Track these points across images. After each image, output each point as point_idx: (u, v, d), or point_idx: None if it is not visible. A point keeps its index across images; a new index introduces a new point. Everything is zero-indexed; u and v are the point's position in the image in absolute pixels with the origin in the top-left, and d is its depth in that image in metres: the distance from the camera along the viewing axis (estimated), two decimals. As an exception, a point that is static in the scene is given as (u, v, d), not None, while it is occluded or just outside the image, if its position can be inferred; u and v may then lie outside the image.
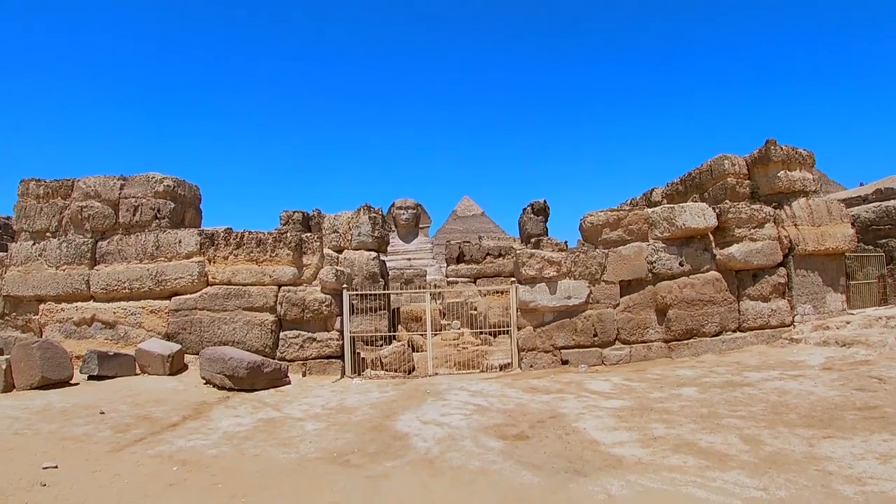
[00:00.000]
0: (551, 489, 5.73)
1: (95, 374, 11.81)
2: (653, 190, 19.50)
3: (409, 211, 35.24)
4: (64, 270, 14.11)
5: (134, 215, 14.48)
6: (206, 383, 11.52)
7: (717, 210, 13.97)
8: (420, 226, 35.81)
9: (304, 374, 12.61)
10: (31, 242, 14.59)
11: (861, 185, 41.10)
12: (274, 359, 12.76)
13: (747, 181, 15.80)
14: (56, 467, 6.64)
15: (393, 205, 35.51)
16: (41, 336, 13.92)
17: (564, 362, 12.85)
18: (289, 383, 11.77)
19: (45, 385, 11.07)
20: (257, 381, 11.24)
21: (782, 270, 14.25)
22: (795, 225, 14.64)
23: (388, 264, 29.80)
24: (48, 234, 14.69)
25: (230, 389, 11.14)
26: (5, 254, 15.15)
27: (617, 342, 13.20)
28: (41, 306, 14.24)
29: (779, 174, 15.06)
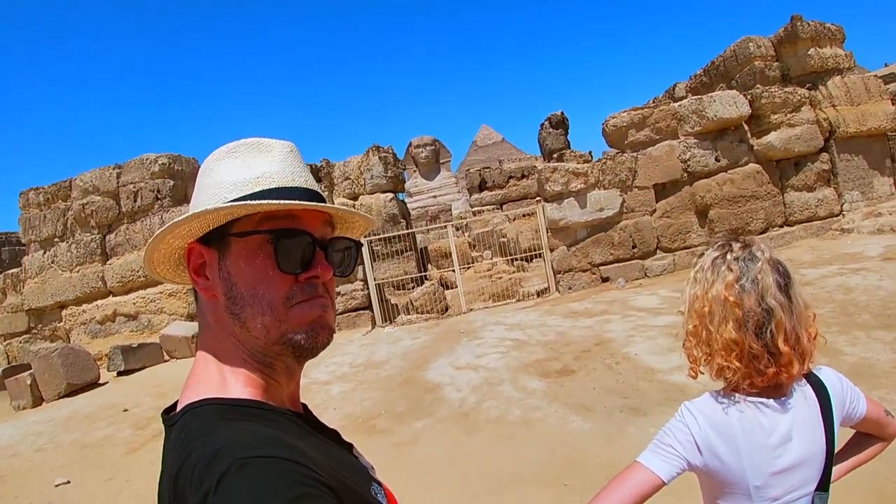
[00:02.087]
0: (606, 437, 4.81)
1: (122, 369, 11.16)
2: (675, 85, 18.00)
3: (427, 148, 33.91)
4: (78, 272, 13.48)
5: (135, 201, 13.68)
6: (231, 357, 10.78)
7: (749, 96, 12.63)
8: (441, 161, 34.53)
9: (332, 331, 11.81)
10: (41, 252, 14.00)
11: (886, 66, 38.34)
12: (300, 318, 11.99)
13: (776, 63, 14.37)
14: (68, 482, 6.05)
15: (410, 144, 34.23)
16: (69, 341, 13.42)
17: (605, 279, 11.84)
18: (316, 342, 10.99)
19: (73, 391, 10.40)
20: (283, 347, 10.45)
21: (825, 156, 12.93)
22: (833, 106, 13.21)
23: (414, 204, 29.03)
24: (56, 239, 14.08)
25: (257, 359, 10.38)
26: (19, 269, 14.66)
27: (658, 251, 12.12)
28: (63, 312, 13.75)
29: (809, 52, 13.55)
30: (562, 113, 19.00)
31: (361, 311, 11.98)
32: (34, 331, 14.14)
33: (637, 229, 11.96)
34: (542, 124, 19.06)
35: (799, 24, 13.58)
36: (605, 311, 9.29)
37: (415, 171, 33.50)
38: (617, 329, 8.10)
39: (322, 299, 1.04)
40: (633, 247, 11.94)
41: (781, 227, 12.49)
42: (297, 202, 0.99)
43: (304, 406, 1.16)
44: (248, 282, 0.98)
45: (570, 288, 11.78)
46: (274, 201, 0.97)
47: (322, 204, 1.03)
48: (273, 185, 1.01)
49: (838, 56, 13.67)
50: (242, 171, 1.02)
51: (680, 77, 20.37)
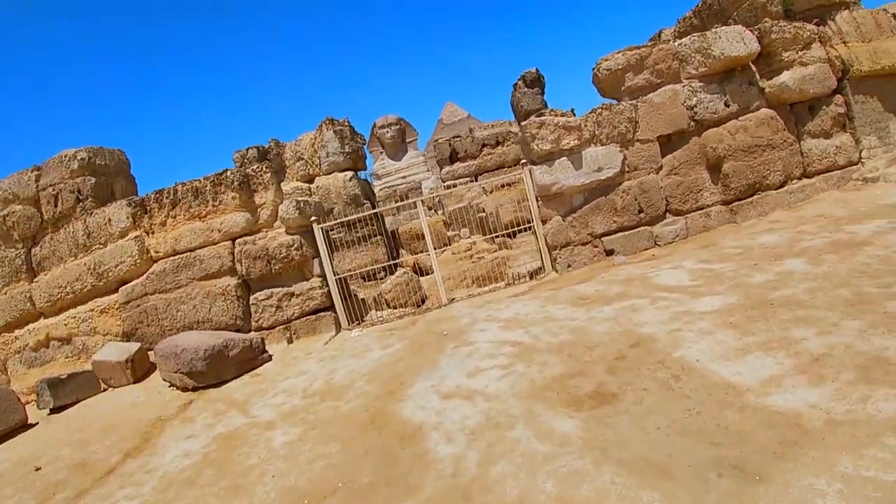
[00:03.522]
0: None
1: (52, 406, 8.84)
2: (661, 32, 15.65)
3: (393, 128, 31.29)
4: (6, 293, 11.02)
5: (56, 206, 11.22)
6: (169, 386, 8.50)
7: (757, 32, 10.55)
8: (407, 140, 32.07)
9: (289, 342, 9.45)
10: None
11: (885, 4, 36.11)
12: (250, 331, 9.66)
13: None
14: None
15: (374, 125, 31.68)
16: (6, 372, 11.02)
17: (609, 252, 9.63)
18: (268, 360, 8.66)
19: None
20: (224, 371, 8.16)
21: (839, 98, 10.96)
22: (844, 42, 11.27)
23: (381, 187, 26.66)
24: (-21, 257, 11.53)
25: (194, 389, 8.11)
26: None
27: (668, 215, 9.96)
28: (-3, 341, 11.24)
29: None
30: (537, 70, 16.70)
31: (322, 314, 9.63)
32: (-31, 362, 11.75)
33: (642, 190, 9.78)
34: (516, 84, 16.75)
35: None
36: (625, 294, 7.07)
37: (381, 153, 31.19)
38: (652, 320, 5.88)
39: None
40: (640, 211, 9.76)
41: (800, 178, 10.49)
42: None
43: None
44: None
45: (568, 266, 9.56)
46: None
47: None
48: None
49: (844, -12, 11.65)
50: None
51: (665, 22, 18.11)
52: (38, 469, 6.54)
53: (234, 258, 9.79)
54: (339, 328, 9.61)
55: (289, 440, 5.26)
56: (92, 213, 10.66)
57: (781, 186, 10.25)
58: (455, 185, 17.96)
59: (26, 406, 8.92)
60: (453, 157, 19.49)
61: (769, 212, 9.93)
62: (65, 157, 11.57)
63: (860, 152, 11.04)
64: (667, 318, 5.83)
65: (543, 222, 9.77)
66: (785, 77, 10.41)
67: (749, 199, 10.04)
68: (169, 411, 7.48)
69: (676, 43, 10.39)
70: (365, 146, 14.21)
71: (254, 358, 8.51)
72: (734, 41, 10.19)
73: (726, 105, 10.16)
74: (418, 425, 4.76)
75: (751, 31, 10.50)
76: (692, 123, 10.05)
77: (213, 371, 8.06)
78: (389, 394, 5.70)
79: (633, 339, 5.47)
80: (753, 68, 10.61)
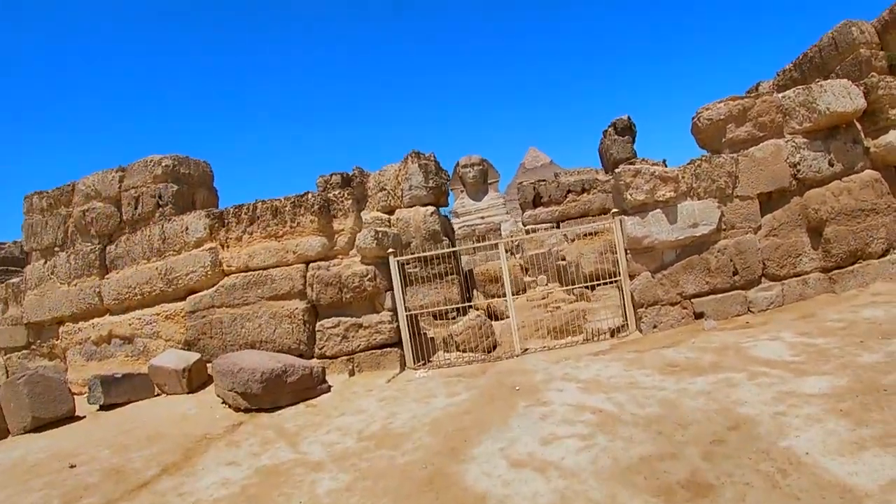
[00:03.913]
0: None
1: (102, 403, 8.75)
2: (758, 84, 14.92)
3: (476, 168, 31.36)
4: (76, 286, 11.15)
5: (136, 208, 11.30)
6: (222, 403, 8.22)
7: (863, 87, 9.66)
8: (489, 182, 31.93)
9: (350, 374, 9.05)
10: (42, 261, 11.77)
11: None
12: (312, 357, 9.31)
13: (881, 52, 11.70)
14: None
15: (458, 164, 31.78)
16: (65, 361, 11.15)
17: (699, 315, 8.87)
18: (326, 391, 8.26)
19: (40, 426, 8.10)
20: (280, 396, 7.80)
21: None
22: None
23: (461, 225, 26.37)
24: (56, 248, 11.81)
25: (246, 410, 7.80)
26: (20, 279, 12.51)
27: (763, 279, 9.12)
28: (60, 329, 11.43)
29: None
30: (629, 118, 16.11)
31: (388, 349, 9.20)
32: (33, 346, 11.98)
33: (739, 251, 9.01)
34: (606, 131, 16.19)
35: None
36: (719, 365, 6.36)
37: (462, 192, 31.20)
38: (752, 399, 5.18)
39: None
40: (734, 273, 8.98)
41: None
42: None
43: None
44: None
45: (654, 327, 8.86)
46: None
47: None
48: None
49: (951, 46, 10.92)
50: None
51: (762, 75, 17.33)
52: (72, 466, 6.38)
53: (305, 282, 9.51)
54: (404, 366, 9.15)
55: (335, 488, 4.79)
56: (170, 220, 10.65)
57: (883, 255, 9.32)
58: (536, 230, 17.43)
59: (77, 398, 8.85)
60: (536, 201, 18.96)
61: (869, 282, 9.02)
62: (150, 161, 11.68)
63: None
64: (769, 398, 5.13)
65: (631, 277, 9.11)
66: (892, 136, 9.50)
67: (850, 268, 9.15)
68: (217, 430, 7.19)
69: (780, 95, 9.68)
70: (447, 182, 13.89)
71: (312, 387, 8.13)
72: (840, 96, 9.40)
73: (830, 164, 9.35)
74: (481, 495, 4.20)
75: (857, 85, 9.71)
76: (794, 182, 9.27)
77: (269, 395, 7.72)
78: (452, 451, 5.16)
79: (732, 419, 4.79)
80: (858, 126, 9.76)
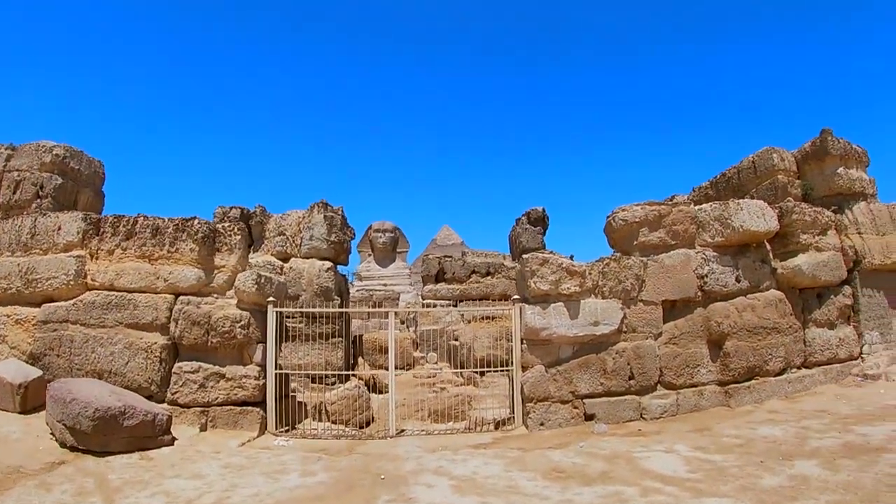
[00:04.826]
0: None
1: None
2: (673, 197, 14.97)
3: (387, 234, 30.67)
4: None
5: (14, 192, 10.12)
6: (50, 434, 6.95)
7: (778, 210, 9.90)
8: (398, 250, 31.28)
9: (202, 429, 7.84)
10: None
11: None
12: (163, 401, 8.10)
13: (797, 181, 11.96)
14: None
15: (370, 227, 31.07)
16: None
17: (589, 417, 8.25)
18: (168, 444, 7.07)
19: None
20: (112, 440, 6.64)
21: (847, 289, 10.50)
22: (859, 233, 10.91)
23: (360, 288, 25.41)
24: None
25: (72, 448, 6.61)
26: None
27: (659, 387, 8.70)
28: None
29: (837, 171, 11.26)
30: (543, 210, 15.84)
31: (250, 408, 8.07)
32: None
33: (637, 356, 8.58)
34: (519, 219, 15.86)
35: (830, 139, 11.41)
36: (609, 476, 5.67)
37: (370, 256, 30.40)
38: (644, 520, 4.49)
39: None
40: (630, 377, 8.53)
41: (799, 368, 9.69)
42: None
43: None
44: None
45: (541, 424, 8.16)
46: None
47: None
48: None
49: (864, 180, 11.59)
50: None
51: (679, 189, 17.57)
52: None
53: (171, 315, 8.35)
54: (263, 430, 8.06)
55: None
56: (45, 214, 9.39)
57: (780, 374, 9.38)
58: (434, 306, 16.70)
59: None
60: (439, 277, 18.33)
61: (765, 399, 8.93)
62: (41, 147, 10.63)
63: (861, 347, 10.55)
64: (663, 521, 4.45)
65: (524, 368, 8.44)
66: (800, 260, 9.83)
67: (746, 383, 9.02)
68: (33, 466, 6.06)
69: (697, 207, 9.64)
70: (353, 241, 13.08)
71: (153, 436, 6.99)
72: (755, 215, 9.52)
73: (737, 280, 9.30)
74: None
75: (772, 208, 9.89)
76: (699, 293, 9.08)
77: (99, 437, 6.60)
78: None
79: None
80: (768, 246, 9.99)
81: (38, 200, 10.18)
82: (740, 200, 9.75)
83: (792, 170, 11.98)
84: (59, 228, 9.04)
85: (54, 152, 10.53)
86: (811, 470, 5.45)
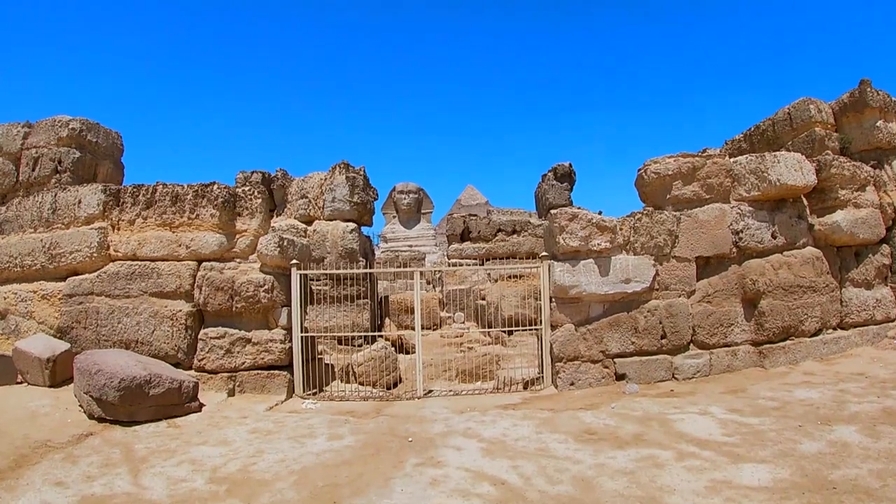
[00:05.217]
0: None
1: None
2: (705, 150, 14.48)
3: (411, 195, 30.46)
4: None
5: (33, 170, 10.04)
6: (78, 406, 6.92)
7: (816, 164, 9.32)
8: (423, 211, 31.06)
9: (230, 394, 7.80)
10: None
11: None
12: (190, 368, 8.07)
13: (835, 134, 11.34)
14: None
15: (394, 189, 30.85)
16: None
17: (620, 377, 8.06)
18: (196, 410, 7.02)
19: None
20: (139, 410, 6.57)
21: (885, 248, 9.89)
22: None
23: (387, 250, 25.29)
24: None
25: (100, 419, 6.56)
26: None
27: (692, 346, 8.43)
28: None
29: (877, 124, 10.62)
30: (570, 165, 15.45)
31: (277, 371, 8.01)
32: None
33: (670, 314, 8.29)
34: (545, 176, 15.50)
35: (869, 90, 10.74)
36: (643, 438, 5.48)
37: (394, 218, 30.24)
38: (682, 486, 4.29)
39: None
40: (662, 336, 8.25)
41: (835, 329, 9.21)
42: None
43: None
44: None
45: (572, 383, 7.97)
46: None
47: None
48: None
49: (904, 135, 10.81)
50: None
51: (711, 143, 16.99)
52: None
53: (194, 282, 8.28)
54: (291, 393, 7.99)
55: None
56: (65, 189, 9.36)
57: (815, 334, 8.91)
58: (460, 265, 16.52)
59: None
60: (465, 236, 18.08)
61: (800, 360, 8.53)
62: (57, 122, 10.54)
63: (897, 309, 10.20)
64: (701, 487, 4.26)
65: (553, 327, 8.23)
66: (838, 217, 9.27)
67: (781, 344, 8.61)
68: (61, 439, 5.98)
69: (732, 160, 9.13)
70: (376, 202, 12.87)
71: (179, 404, 6.91)
72: (792, 169, 8.94)
73: (773, 236, 8.82)
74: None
75: (809, 161, 9.33)
76: (734, 249, 8.69)
77: (126, 406, 6.51)
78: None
79: (658, 511, 3.88)
80: (805, 202, 9.44)
81: (58, 175, 10.12)
82: (777, 153, 9.24)
83: (829, 122, 11.42)
84: (80, 202, 8.98)
85: (70, 126, 10.42)
86: (851, 436, 5.16)
